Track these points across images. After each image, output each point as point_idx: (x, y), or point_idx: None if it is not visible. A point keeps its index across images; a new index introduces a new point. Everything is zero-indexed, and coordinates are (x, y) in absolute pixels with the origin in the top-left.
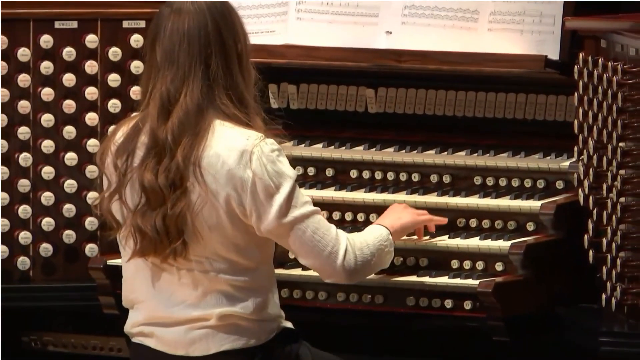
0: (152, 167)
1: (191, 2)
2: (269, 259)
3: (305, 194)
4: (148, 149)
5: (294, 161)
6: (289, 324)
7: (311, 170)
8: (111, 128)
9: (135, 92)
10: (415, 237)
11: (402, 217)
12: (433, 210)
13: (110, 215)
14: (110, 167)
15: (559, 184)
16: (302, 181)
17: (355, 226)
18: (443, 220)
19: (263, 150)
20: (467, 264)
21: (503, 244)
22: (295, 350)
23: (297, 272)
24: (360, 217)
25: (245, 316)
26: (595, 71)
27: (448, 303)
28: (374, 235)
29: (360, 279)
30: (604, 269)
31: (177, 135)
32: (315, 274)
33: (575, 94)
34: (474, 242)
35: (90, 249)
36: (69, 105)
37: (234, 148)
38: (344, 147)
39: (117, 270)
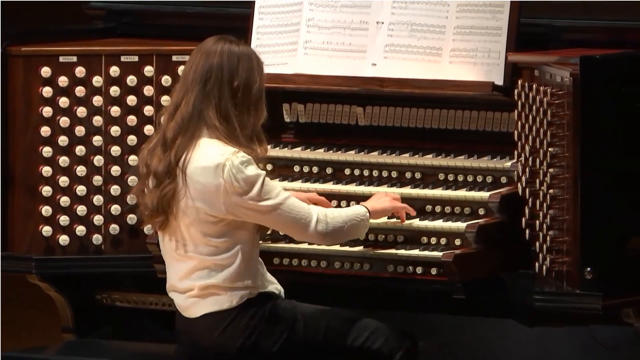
0: (159, 154)
1: (213, 44)
2: (245, 240)
3: (303, 187)
4: (161, 143)
5: (301, 162)
6: (269, 289)
7: (315, 169)
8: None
9: None
10: (394, 219)
11: (382, 202)
12: (407, 199)
13: (138, 195)
14: (143, 163)
15: (503, 179)
16: (308, 177)
17: None
18: (413, 212)
19: (233, 163)
20: (433, 240)
21: (461, 225)
22: (268, 309)
23: (304, 246)
24: (352, 204)
25: (219, 284)
26: (530, 94)
27: (419, 270)
28: (353, 210)
29: (334, 242)
30: (537, 244)
31: (176, 134)
32: (319, 247)
33: (515, 111)
34: (439, 224)
35: (148, 228)
36: (132, 120)
37: (211, 162)
38: (340, 151)
39: None
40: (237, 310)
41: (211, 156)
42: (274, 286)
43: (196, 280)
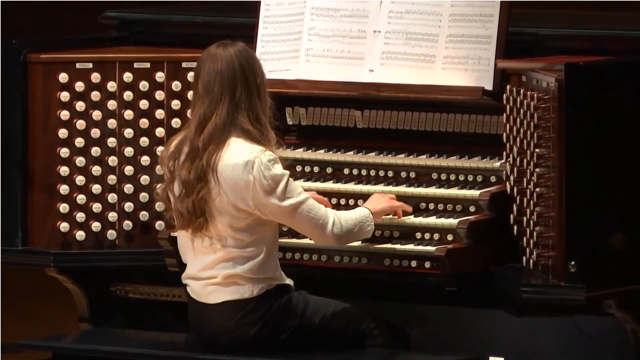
0: (187, 166)
1: (223, 50)
2: (269, 236)
3: (305, 185)
4: (186, 154)
5: (303, 162)
6: (286, 281)
7: (316, 169)
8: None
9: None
10: (389, 216)
11: (380, 202)
12: (403, 197)
13: (165, 200)
14: (166, 168)
15: (493, 179)
16: (309, 177)
17: (347, 209)
18: (409, 208)
19: (262, 160)
20: (427, 236)
21: (453, 221)
22: (284, 301)
23: (306, 241)
24: (351, 202)
25: (242, 274)
26: (518, 98)
27: (413, 263)
28: (359, 213)
29: (346, 243)
30: (524, 239)
31: (206, 144)
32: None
33: (504, 114)
34: (432, 220)
35: (159, 224)
36: (144, 123)
37: (240, 160)
38: (340, 152)
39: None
40: (256, 300)
41: (240, 154)
42: (288, 279)
43: (220, 270)
